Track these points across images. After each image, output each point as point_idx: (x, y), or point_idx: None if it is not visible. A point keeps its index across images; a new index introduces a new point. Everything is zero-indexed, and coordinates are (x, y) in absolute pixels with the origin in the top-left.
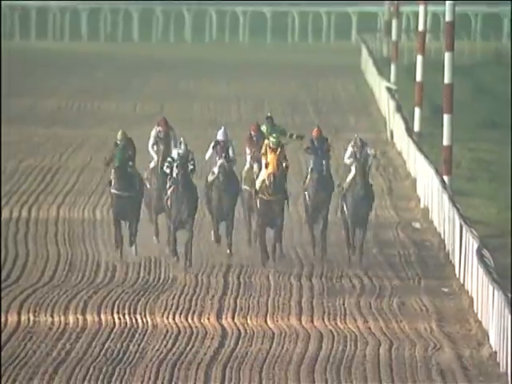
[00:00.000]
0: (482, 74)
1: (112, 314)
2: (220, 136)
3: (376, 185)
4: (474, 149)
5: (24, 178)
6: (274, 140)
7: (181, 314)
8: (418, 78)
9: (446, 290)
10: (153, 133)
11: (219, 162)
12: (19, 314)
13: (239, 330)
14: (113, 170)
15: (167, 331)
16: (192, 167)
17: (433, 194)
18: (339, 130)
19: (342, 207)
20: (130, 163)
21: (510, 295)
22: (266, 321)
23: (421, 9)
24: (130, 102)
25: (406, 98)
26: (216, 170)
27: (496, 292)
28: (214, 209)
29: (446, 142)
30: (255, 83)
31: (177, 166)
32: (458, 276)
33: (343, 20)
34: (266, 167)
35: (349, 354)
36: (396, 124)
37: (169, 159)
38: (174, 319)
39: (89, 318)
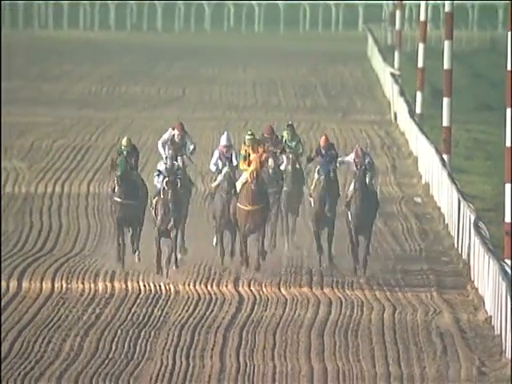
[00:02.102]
0: (478, 60)
1: (138, 281)
2: (224, 141)
3: (381, 163)
4: (471, 129)
5: (57, 157)
6: (251, 137)
7: (201, 282)
8: (420, 64)
9: (445, 259)
10: (167, 134)
11: (224, 170)
12: (53, 281)
13: (255, 297)
14: (115, 178)
15: (188, 297)
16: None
17: (433, 171)
18: (347, 112)
19: (347, 215)
20: (134, 171)
21: (503, 263)
22: (279, 288)
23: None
24: (154, 86)
25: (408, 82)
26: (221, 177)
27: (491, 261)
28: (217, 216)
29: (445, 123)
30: (269, 69)
31: (163, 180)
32: (456, 246)
33: (351, 11)
34: (249, 165)
35: (356, 319)
36: (399, 106)
37: (157, 170)
38: (194, 287)
39: (116, 285)
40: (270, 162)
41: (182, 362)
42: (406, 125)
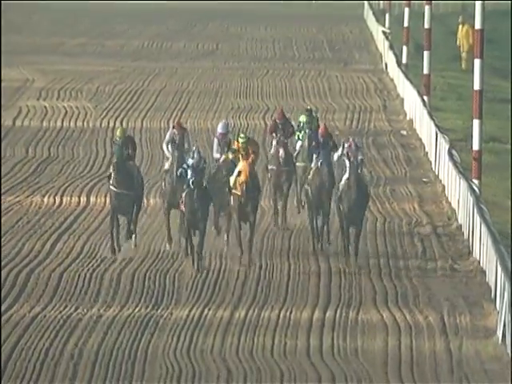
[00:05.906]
0: (452, 21)
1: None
2: (220, 129)
3: (374, 103)
4: (446, 76)
5: (117, 98)
6: (244, 140)
7: None
8: (406, 24)
9: (425, 179)
10: (168, 133)
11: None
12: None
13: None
14: (111, 166)
15: None
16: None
17: (416, 109)
18: (347, 62)
19: (339, 208)
20: (130, 161)
21: (471, 183)
22: (293, 202)
23: None
24: (193, 42)
25: (396, 39)
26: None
27: (461, 181)
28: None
29: (425, 71)
30: (286, 28)
31: (192, 174)
32: (434, 169)
33: None
34: (239, 175)
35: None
36: (389, 58)
37: (184, 166)
38: None
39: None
40: (281, 152)
41: (216, 261)
42: (394, 73)
